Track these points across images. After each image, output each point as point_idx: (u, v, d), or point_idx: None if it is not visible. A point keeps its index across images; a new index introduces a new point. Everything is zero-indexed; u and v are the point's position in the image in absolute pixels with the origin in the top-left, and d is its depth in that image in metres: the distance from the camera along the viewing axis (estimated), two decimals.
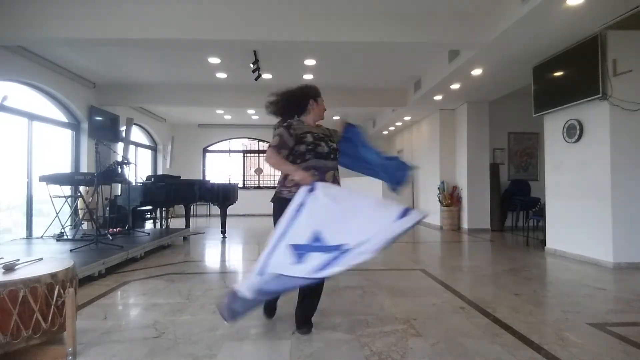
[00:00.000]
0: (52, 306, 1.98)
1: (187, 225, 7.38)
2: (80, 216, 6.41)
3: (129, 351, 2.17)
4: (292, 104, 2.53)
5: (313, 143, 2.37)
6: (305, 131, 2.40)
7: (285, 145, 2.34)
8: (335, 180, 2.46)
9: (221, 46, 5.56)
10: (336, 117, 10.88)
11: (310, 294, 2.44)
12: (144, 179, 6.80)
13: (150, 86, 7.97)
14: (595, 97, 4.44)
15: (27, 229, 6.13)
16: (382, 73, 7.13)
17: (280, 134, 2.37)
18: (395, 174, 2.69)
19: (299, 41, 4.70)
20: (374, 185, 9.74)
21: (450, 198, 8.11)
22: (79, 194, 5.62)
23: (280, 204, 2.35)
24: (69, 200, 5.84)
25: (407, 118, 9.69)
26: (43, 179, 5.19)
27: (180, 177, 7.49)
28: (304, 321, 2.45)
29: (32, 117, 6.21)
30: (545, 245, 5.46)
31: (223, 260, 5.24)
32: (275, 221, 2.29)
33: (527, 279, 3.88)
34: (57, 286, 2.01)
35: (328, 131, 2.59)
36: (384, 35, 4.65)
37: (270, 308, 2.67)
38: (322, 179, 2.32)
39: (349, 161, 2.74)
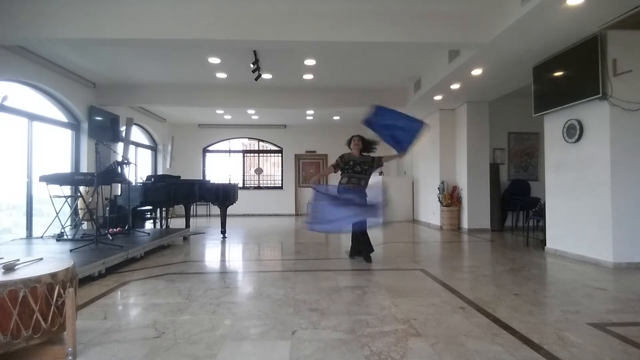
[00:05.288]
0: (52, 306, 1.98)
1: (187, 225, 7.38)
2: (80, 216, 6.41)
3: (128, 351, 2.18)
4: (348, 144, 4.82)
5: (352, 165, 4.64)
6: (351, 158, 4.70)
7: (336, 165, 4.72)
8: (363, 183, 4.64)
9: (221, 46, 5.56)
10: (336, 117, 10.89)
11: (358, 238, 4.73)
12: (144, 179, 6.80)
13: (150, 86, 7.97)
14: (595, 97, 4.44)
15: (27, 229, 6.13)
16: (382, 73, 7.13)
17: (337, 159, 4.75)
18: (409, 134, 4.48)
19: (299, 41, 4.70)
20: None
21: (450, 198, 8.10)
22: (79, 194, 5.62)
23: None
24: (69, 200, 5.84)
25: None
26: (43, 179, 5.19)
27: (180, 177, 7.49)
28: (367, 256, 4.66)
29: (32, 117, 6.21)
30: (545, 245, 5.46)
31: (223, 260, 5.24)
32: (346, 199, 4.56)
33: (527, 279, 3.88)
34: (57, 286, 2.01)
35: (366, 158, 4.72)
36: (384, 35, 4.66)
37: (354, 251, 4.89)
38: (357, 183, 4.60)
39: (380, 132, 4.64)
